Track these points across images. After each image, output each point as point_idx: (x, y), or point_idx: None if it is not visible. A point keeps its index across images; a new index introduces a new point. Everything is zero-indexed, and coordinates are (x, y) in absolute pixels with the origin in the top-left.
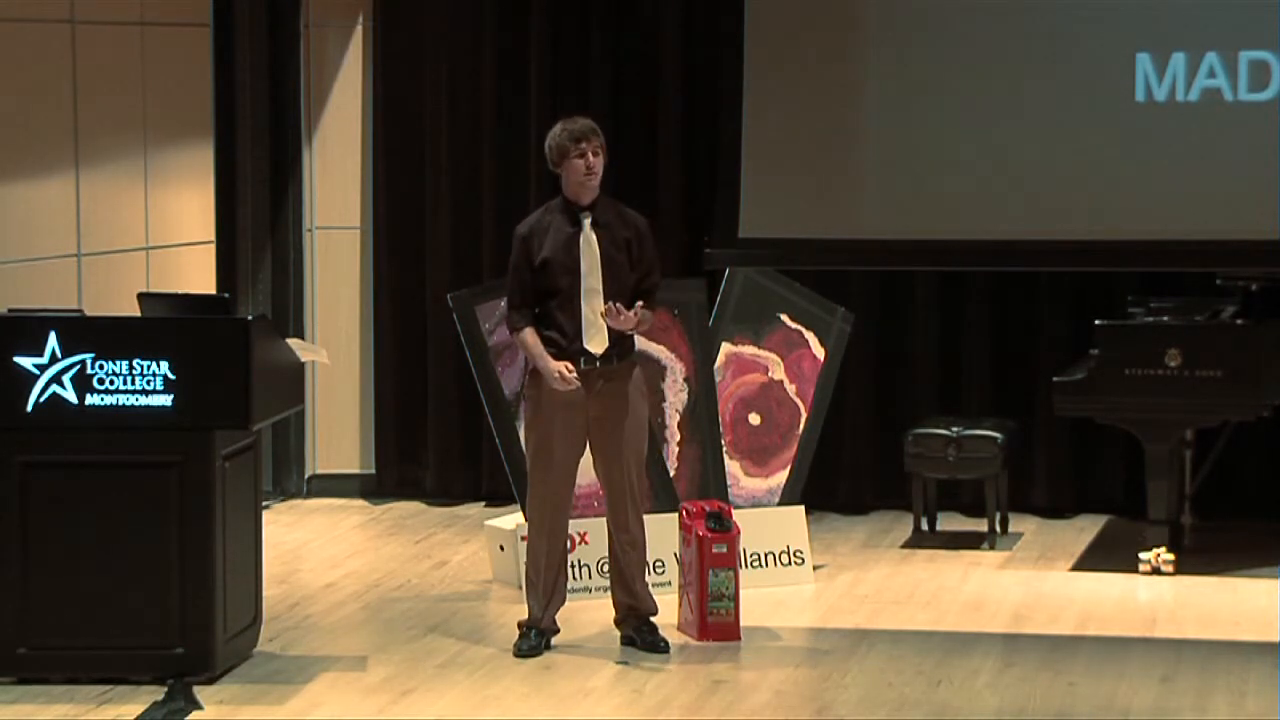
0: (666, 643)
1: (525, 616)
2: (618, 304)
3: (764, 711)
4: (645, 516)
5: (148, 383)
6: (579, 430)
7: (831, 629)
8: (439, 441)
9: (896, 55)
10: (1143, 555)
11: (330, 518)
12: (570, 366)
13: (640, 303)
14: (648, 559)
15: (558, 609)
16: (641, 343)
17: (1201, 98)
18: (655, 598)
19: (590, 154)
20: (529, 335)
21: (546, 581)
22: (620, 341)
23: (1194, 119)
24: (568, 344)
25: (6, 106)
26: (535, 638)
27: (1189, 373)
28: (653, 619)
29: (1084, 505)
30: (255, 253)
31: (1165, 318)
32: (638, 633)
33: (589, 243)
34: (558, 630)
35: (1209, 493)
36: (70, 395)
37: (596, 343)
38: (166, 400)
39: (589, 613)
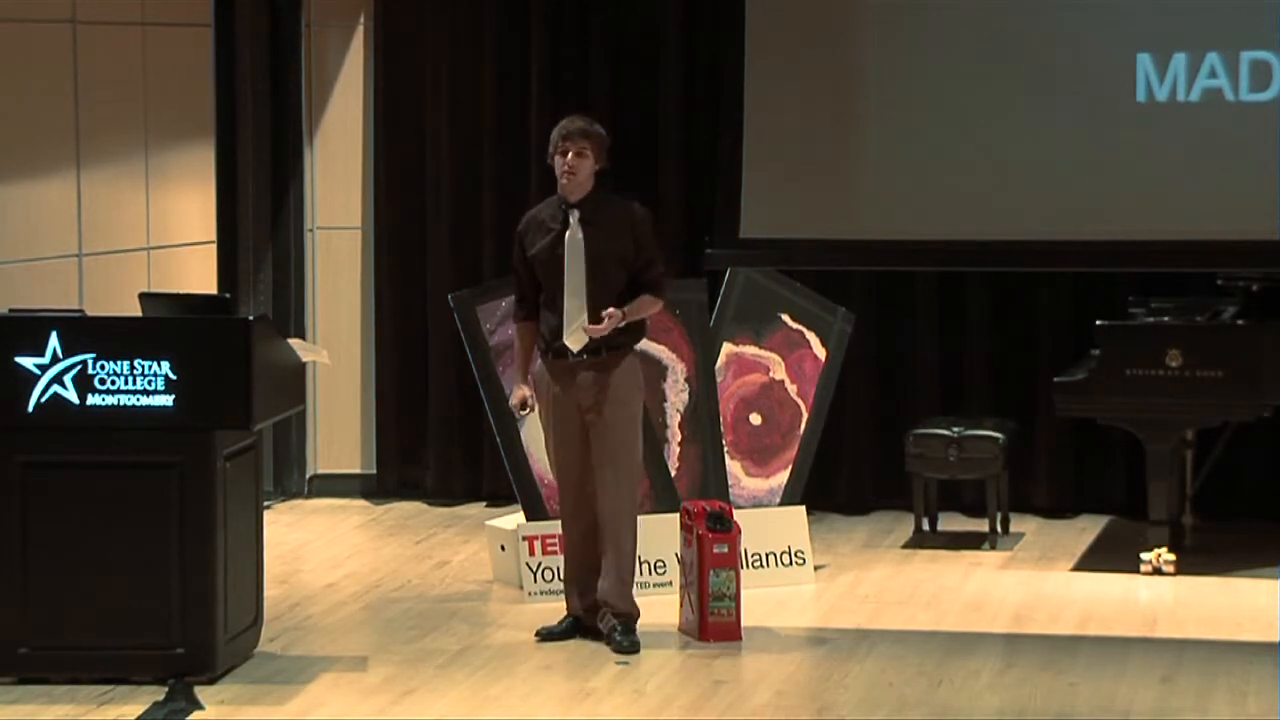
0: (636, 644)
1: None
2: (605, 313)
3: (764, 711)
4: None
5: (149, 383)
6: (575, 424)
7: (832, 629)
8: (439, 441)
9: (896, 55)
10: (1144, 555)
11: (331, 518)
12: (527, 394)
13: (635, 300)
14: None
15: (590, 602)
16: (642, 342)
17: (1202, 98)
18: (636, 599)
19: (571, 154)
20: (516, 332)
21: (578, 577)
22: (608, 337)
23: (1194, 119)
24: (552, 339)
25: (7, 106)
26: (563, 622)
27: (1189, 373)
28: (620, 620)
29: (1085, 505)
30: (256, 253)
31: (1165, 318)
32: (609, 633)
33: (574, 240)
34: (594, 625)
35: (1210, 493)
36: (71, 395)
37: (575, 339)
38: (167, 400)
39: None
